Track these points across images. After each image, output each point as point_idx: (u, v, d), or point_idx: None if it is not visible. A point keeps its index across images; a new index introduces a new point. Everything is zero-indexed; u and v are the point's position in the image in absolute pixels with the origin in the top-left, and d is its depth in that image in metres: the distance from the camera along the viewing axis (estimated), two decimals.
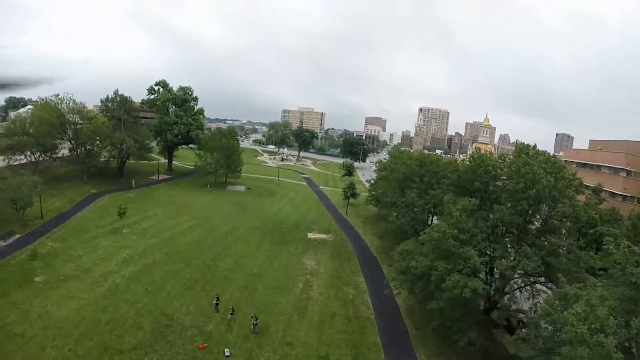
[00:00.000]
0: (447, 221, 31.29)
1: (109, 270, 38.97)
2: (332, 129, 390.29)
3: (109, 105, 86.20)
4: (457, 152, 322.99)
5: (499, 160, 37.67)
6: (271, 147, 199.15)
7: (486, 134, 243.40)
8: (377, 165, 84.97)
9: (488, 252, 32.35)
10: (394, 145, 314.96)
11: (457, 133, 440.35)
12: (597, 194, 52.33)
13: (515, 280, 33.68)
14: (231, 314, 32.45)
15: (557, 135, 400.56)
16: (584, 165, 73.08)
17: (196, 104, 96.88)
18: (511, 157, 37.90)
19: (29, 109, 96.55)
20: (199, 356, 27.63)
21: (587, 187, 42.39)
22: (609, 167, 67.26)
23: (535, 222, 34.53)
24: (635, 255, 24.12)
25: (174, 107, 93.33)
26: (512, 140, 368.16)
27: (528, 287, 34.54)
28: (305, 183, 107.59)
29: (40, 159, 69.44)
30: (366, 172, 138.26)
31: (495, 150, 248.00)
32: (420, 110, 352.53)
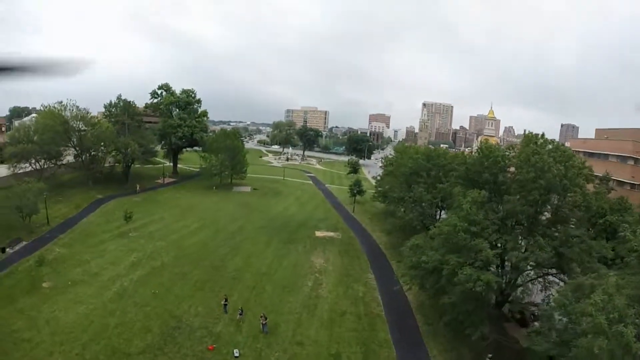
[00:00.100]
0: (457, 214, 30.78)
1: (116, 274, 38.86)
2: (336, 127, 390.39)
3: (113, 110, 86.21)
4: (462, 145, 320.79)
5: (507, 151, 37.06)
6: (275, 147, 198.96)
7: (491, 126, 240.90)
8: (383, 160, 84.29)
9: (499, 245, 31.76)
10: (399, 141, 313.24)
11: (461, 127, 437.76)
12: (605, 183, 51.55)
13: (527, 272, 33.11)
14: (240, 314, 32.17)
15: (562, 125, 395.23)
16: (591, 154, 71.74)
17: (199, 106, 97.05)
18: (519, 147, 37.28)
19: (33, 117, 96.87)
20: (208, 357, 27.36)
21: (595, 176, 41.59)
22: (617, 156, 66.09)
23: (546, 213, 33.93)
24: None
25: (177, 110, 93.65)
26: (517, 132, 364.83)
27: (540, 279, 33.89)
28: (310, 182, 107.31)
29: (45, 166, 69.57)
30: (371, 169, 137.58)
31: (501, 142, 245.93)
32: (424, 105, 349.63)
